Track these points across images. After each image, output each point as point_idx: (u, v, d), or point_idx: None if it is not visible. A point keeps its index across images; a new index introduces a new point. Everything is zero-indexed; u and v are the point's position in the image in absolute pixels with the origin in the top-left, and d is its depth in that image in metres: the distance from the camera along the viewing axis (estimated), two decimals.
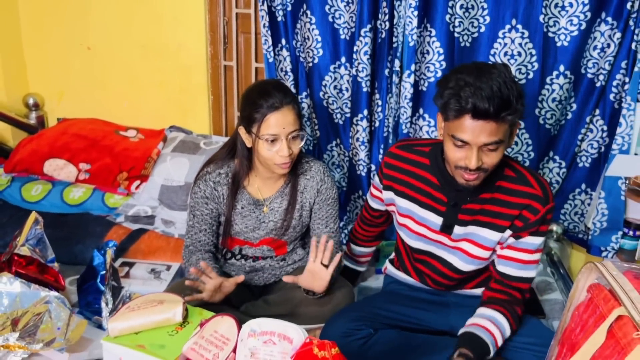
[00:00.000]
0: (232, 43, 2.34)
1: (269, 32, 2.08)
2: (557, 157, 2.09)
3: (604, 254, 2.06)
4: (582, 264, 2.26)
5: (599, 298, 1.01)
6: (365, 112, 2.09)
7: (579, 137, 2.05)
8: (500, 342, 1.36)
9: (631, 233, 2.03)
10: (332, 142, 2.24)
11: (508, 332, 1.38)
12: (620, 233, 2.03)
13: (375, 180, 1.61)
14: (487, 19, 1.93)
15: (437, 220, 1.45)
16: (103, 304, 1.58)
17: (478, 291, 1.56)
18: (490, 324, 1.36)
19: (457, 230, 1.43)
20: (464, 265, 1.47)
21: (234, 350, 0.97)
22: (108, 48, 2.43)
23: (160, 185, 2.13)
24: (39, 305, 1.40)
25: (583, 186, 2.12)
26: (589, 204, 2.13)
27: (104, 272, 1.66)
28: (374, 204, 1.66)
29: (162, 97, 2.43)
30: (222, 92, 2.42)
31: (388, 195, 1.55)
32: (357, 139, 2.14)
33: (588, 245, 2.09)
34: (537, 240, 1.40)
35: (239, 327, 0.98)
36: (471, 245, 1.44)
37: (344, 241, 2.27)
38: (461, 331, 1.38)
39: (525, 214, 1.37)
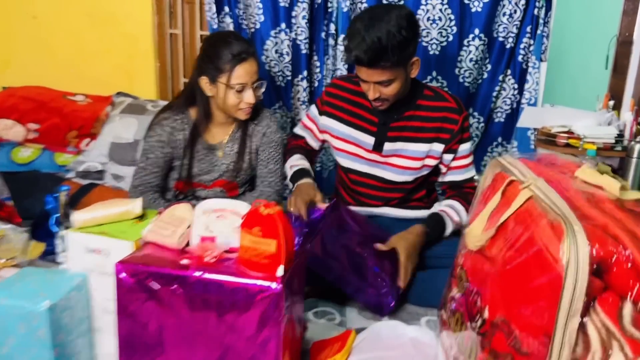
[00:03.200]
0: (178, 12, 2.48)
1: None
2: (475, 113, 2.34)
3: None
4: None
5: (498, 179, 1.21)
6: (305, 73, 2.27)
7: (494, 94, 2.31)
8: (455, 218, 1.63)
9: None
10: (275, 105, 2.40)
11: (463, 212, 1.64)
12: None
13: (312, 110, 1.81)
14: None
15: (369, 140, 1.68)
16: (58, 242, 1.65)
17: (410, 213, 1.77)
18: (444, 206, 1.66)
19: (387, 146, 1.67)
20: (395, 177, 1.69)
21: (190, 227, 1.11)
22: (54, 17, 2.49)
23: (110, 142, 2.22)
24: None
25: (499, 139, 2.38)
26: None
27: (57, 215, 1.73)
28: (302, 132, 1.86)
29: (109, 65, 2.52)
30: (168, 59, 2.54)
31: (325, 121, 1.75)
32: (298, 99, 2.31)
33: None
34: (467, 146, 1.69)
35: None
36: (400, 159, 1.67)
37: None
38: None
39: (447, 126, 1.64)
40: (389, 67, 1.46)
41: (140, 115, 2.29)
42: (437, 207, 1.69)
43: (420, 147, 1.67)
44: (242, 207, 1.09)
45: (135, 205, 1.18)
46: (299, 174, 1.72)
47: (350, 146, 1.72)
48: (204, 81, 1.69)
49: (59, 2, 2.48)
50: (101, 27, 2.48)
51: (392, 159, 1.69)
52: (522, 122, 2.25)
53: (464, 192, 1.71)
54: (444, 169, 1.73)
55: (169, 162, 1.77)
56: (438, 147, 1.67)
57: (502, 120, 2.35)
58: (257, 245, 1.00)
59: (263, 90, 1.75)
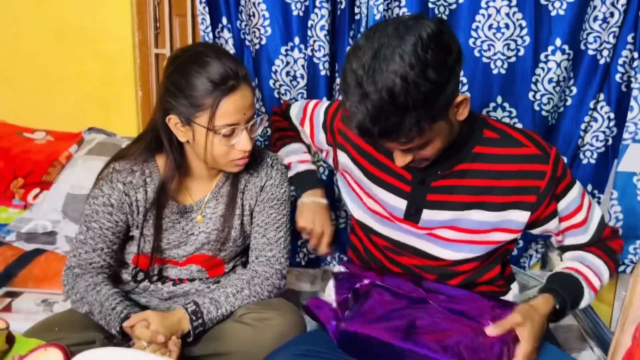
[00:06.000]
0: (165, 27, 2.03)
1: (207, 9, 1.72)
2: None
3: (622, 268, 1.68)
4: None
5: None
6: (325, 100, 1.72)
7: (582, 126, 1.71)
8: (596, 284, 1.12)
9: None
10: None
11: (604, 270, 1.14)
12: (638, 242, 1.67)
13: (317, 119, 1.30)
14: None
15: (399, 204, 1.12)
16: None
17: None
18: (578, 264, 1.14)
19: (426, 215, 1.10)
20: (447, 253, 1.13)
21: None
22: (14, 34, 2.06)
23: (66, 193, 1.71)
24: None
25: (589, 187, 1.77)
26: None
27: None
28: (297, 123, 1.37)
29: (80, 93, 2.07)
30: (153, 85, 2.08)
31: (343, 158, 1.21)
32: None
33: None
34: (574, 193, 1.12)
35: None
36: (451, 231, 1.11)
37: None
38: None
39: (530, 184, 1.07)
40: (416, 133, 0.92)
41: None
42: (567, 264, 1.16)
43: (485, 217, 1.09)
44: None
45: None
46: (307, 179, 1.30)
47: (375, 205, 1.16)
48: (173, 122, 1.14)
49: (20, 17, 2.05)
50: (70, 47, 2.04)
51: (438, 230, 1.12)
52: (626, 164, 1.64)
53: (603, 244, 1.18)
54: (559, 237, 1.18)
55: (120, 233, 1.23)
56: (519, 216, 1.08)
57: (593, 162, 1.75)
58: None
59: (262, 128, 1.22)
